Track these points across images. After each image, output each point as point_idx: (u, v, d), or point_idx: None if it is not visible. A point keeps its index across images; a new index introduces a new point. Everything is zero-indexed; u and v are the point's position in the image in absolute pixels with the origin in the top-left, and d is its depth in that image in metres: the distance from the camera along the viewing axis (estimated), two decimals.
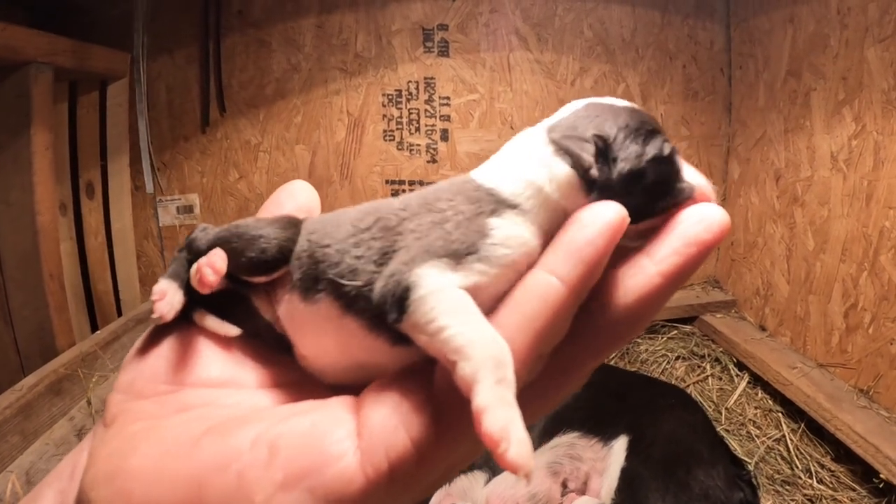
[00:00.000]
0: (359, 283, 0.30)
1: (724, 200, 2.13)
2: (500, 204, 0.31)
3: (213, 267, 0.31)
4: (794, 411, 1.66)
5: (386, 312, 0.28)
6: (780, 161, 1.83)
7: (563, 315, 0.28)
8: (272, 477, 0.26)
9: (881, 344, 1.49)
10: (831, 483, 1.51)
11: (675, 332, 2.08)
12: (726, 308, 2.06)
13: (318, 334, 0.32)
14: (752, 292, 1.98)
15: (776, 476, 1.63)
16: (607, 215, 0.28)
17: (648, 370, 2.02)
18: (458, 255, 0.29)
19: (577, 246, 0.28)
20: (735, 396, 1.81)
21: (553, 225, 0.31)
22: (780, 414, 1.71)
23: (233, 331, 0.34)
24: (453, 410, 0.26)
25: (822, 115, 1.66)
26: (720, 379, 1.91)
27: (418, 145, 2.04)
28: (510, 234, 0.30)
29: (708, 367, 1.94)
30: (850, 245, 1.58)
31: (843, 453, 1.50)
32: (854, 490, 1.46)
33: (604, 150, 0.32)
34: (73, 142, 1.75)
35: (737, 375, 1.87)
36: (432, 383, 0.28)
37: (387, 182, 2.05)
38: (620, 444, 1.45)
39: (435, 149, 2.05)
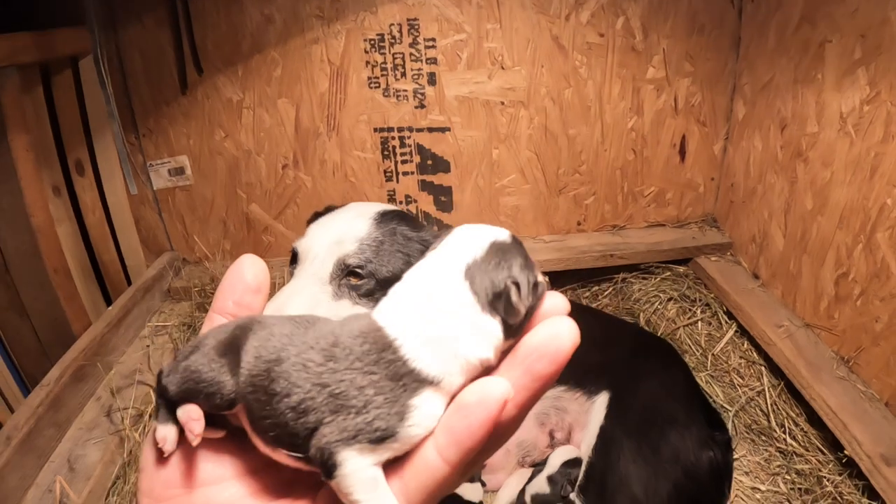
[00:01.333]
0: (300, 454, 0.37)
1: (726, 139, 2.03)
2: (422, 383, 0.36)
3: (192, 433, 0.39)
4: (776, 367, 1.69)
5: (314, 457, 0.36)
6: (786, 110, 1.71)
7: (450, 482, 0.37)
8: None
9: (867, 319, 1.49)
10: (803, 442, 1.59)
11: (669, 273, 2.08)
12: (722, 250, 2.04)
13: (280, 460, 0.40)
14: (748, 238, 1.95)
15: (753, 426, 1.72)
16: (489, 404, 0.35)
17: (640, 309, 2.05)
18: (377, 441, 0.36)
19: (459, 436, 0.35)
20: (722, 344, 1.86)
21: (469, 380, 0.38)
22: (762, 367, 1.75)
23: (218, 433, 0.42)
24: None
25: (835, 71, 1.54)
26: (709, 324, 1.94)
27: (405, 91, 1.93)
28: (427, 414, 0.36)
29: (698, 311, 1.96)
30: (848, 214, 1.53)
31: (816, 418, 1.54)
32: (823, 454, 1.53)
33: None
34: (57, 121, 1.70)
35: (725, 323, 1.90)
36: None
37: (375, 130, 1.97)
38: (601, 401, 1.53)
39: (423, 94, 1.93)
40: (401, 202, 2.09)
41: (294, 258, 1.29)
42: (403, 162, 2.04)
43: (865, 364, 1.50)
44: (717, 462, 1.47)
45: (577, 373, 1.60)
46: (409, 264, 1.21)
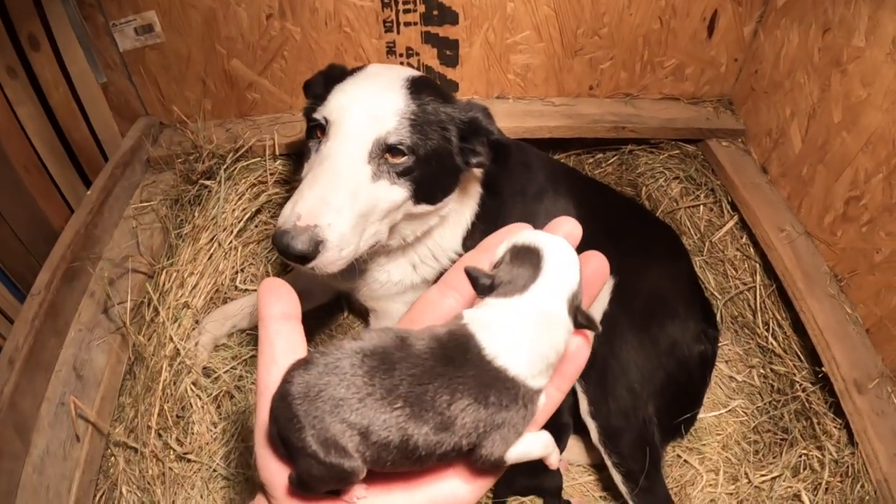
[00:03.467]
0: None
1: (759, 22, 2.02)
2: (536, 393, 0.57)
3: (356, 494, 0.56)
4: (770, 267, 1.88)
5: (485, 465, 0.57)
6: (833, 14, 1.73)
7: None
8: None
9: (869, 247, 1.67)
10: (783, 345, 1.85)
11: (678, 151, 2.18)
12: (734, 136, 2.14)
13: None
14: (763, 130, 2.04)
15: (739, 318, 1.97)
16: (586, 353, 0.63)
17: (644, 183, 2.18)
18: (521, 433, 0.57)
19: (570, 376, 0.62)
20: (721, 233, 2.04)
21: None
22: (757, 265, 1.96)
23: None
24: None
25: None
26: (711, 210, 2.10)
27: None
28: (541, 404, 0.58)
29: (702, 195, 2.11)
30: (876, 140, 1.64)
31: (801, 327, 1.77)
32: (800, 360, 1.81)
33: None
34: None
35: (728, 213, 2.06)
36: None
37: None
38: (606, 286, 1.68)
39: None
40: (401, 55, 2.03)
41: (313, 131, 1.30)
42: (406, 11, 1.95)
43: (856, 288, 1.72)
44: (706, 355, 1.73)
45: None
46: (445, 139, 1.28)
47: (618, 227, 1.77)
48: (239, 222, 1.90)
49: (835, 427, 1.63)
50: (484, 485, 0.60)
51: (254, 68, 1.98)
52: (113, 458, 1.48)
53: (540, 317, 0.57)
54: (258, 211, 1.96)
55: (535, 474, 1.64)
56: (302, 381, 0.53)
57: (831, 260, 1.79)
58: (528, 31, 2.02)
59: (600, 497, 1.69)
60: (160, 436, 1.54)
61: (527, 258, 0.59)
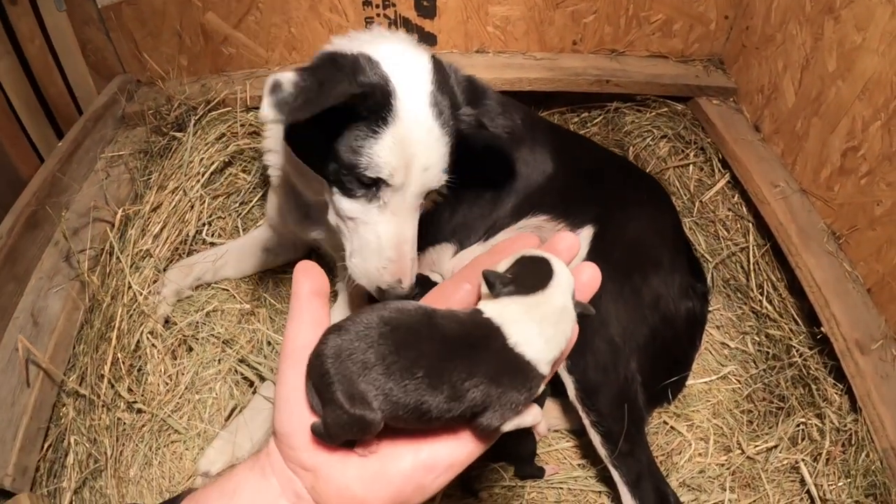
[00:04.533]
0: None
1: None
2: (541, 377, 0.66)
3: (371, 451, 0.64)
4: (764, 227, 1.80)
5: (482, 432, 0.66)
6: None
7: None
8: (436, 479, 0.65)
9: (868, 200, 1.58)
10: (779, 308, 1.75)
11: (666, 109, 2.11)
12: (725, 95, 2.06)
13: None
14: (755, 87, 1.97)
15: (731, 282, 1.87)
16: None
17: (631, 143, 2.10)
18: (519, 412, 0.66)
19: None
20: (712, 193, 1.95)
21: None
22: (750, 224, 1.88)
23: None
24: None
25: None
26: (701, 169, 2.01)
27: None
28: (541, 388, 0.68)
29: (692, 154, 2.02)
30: (872, 86, 1.57)
31: (797, 288, 1.69)
32: (797, 324, 1.71)
33: None
34: None
35: (719, 171, 1.98)
36: None
37: None
38: (585, 236, 1.59)
39: None
40: (377, 6, 1.96)
41: (357, 179, 1.20)
42: None
43: (856, 245, 1.63)
44: (694, 313, 1.61)
45: (562, 202, 1.64)
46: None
47: (599, 177, 1.69)
48: (207, 171, 1.82)
49: (835, 393, 1.53)
50: (480, 447, 0.69)
51: (228, 21, 1.92)
52: (64, 407, 1.40)
53: (559, 312, 0.68)
54: (228, 162, 1.89)
55: (507, 439, 1.53)
56: (335, 344, 0.63)
57: (829, 217, 1.70)
58: None
59: (578, 465, 1.55)
60: (112, 385, 1.46)
61: (536, 265, 0.70)
